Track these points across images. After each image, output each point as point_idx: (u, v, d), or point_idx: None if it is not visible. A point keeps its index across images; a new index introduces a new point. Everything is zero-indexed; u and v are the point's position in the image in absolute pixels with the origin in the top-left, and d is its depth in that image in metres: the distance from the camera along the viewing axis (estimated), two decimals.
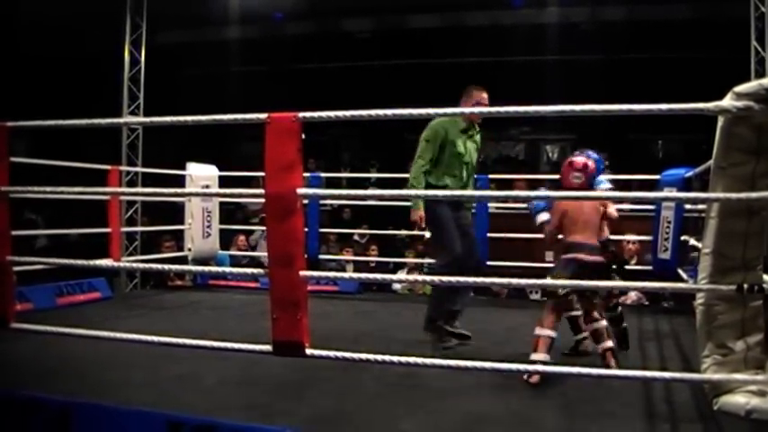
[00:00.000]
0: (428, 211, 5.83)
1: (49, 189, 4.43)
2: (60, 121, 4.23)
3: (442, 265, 5.80)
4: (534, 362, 4.64)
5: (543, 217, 5.14)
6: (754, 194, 3.26)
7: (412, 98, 7.69)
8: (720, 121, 3.39)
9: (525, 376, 4.66)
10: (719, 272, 3.53)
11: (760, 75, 8.61)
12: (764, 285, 3.41)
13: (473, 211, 6.78)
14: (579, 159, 5.17)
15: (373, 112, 3.69)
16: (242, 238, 10.75)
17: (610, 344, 4.99)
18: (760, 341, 3.65)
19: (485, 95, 6.09)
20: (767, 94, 3.13)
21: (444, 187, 5.86)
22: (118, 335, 4.22)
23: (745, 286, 3.32)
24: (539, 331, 4.82)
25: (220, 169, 9.63)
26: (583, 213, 5.01)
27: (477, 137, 6.19)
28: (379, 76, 14.82)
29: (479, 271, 5.91)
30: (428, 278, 4.88)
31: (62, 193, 4.56)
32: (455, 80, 14.35)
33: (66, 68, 13.79)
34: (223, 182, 9.49)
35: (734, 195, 3.30)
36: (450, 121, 5.95)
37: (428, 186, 5.82)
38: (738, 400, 3.54)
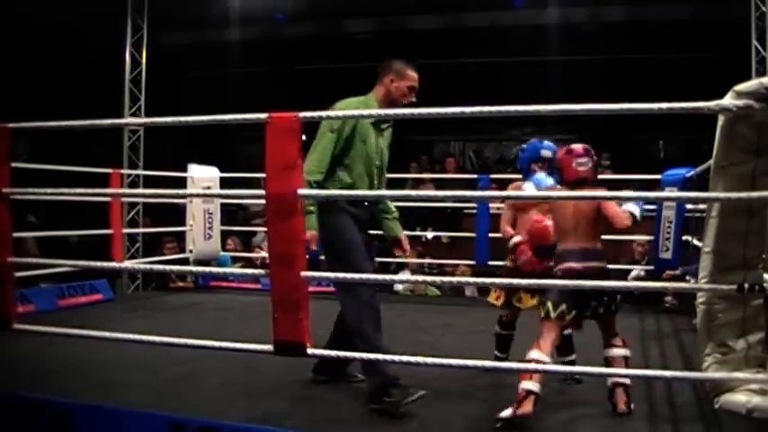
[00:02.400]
0: (326, 228, 4.48)
1: (50, 191, 4.43)
2: (62, 123, 4.23)
3: (361, 303, 4.42)
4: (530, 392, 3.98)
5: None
6: (754, 194, 3.26)
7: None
8: (721, 120, 3.39)
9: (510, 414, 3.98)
10: (720, 271, 3.53)
11: (760, 74, 8.60)
12: (765, 284, 3.41)
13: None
14: (577, 146, 4.55)
15: (374, 112, 3.70)
16: (229, 241, 10.58)
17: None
18: (761, 340, 3.66)
19: (415, 75, 4.82)
20: (767, 93, 3.13)
21: (345, 203, 4.51)
22: (119, 336, 4.22)
23: (746, 285, 3.31)
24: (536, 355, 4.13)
25: (222, 170, 9.64)
26: (573, 214, 4.46)
27: (389, 132, 4.84)
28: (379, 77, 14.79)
29: None
30: (429, 279, 4.89)
31: (63, 194, 4.56)
32: (456, 81, 14.43)
33: (68, 70, 13.79)
34: (224, 183, 9.50)
35: (734, 195, 3.29)
36: (362, 107, 4.56)
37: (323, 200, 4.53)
38: (739, 398, 3.54)
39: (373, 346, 4.18)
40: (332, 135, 4.46)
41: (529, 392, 3.93)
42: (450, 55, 14.63)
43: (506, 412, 3.95)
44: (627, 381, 4.17)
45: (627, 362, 4.30)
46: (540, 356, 4.05)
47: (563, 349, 4.80)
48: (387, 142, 4.80)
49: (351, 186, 4.51)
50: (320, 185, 4.43)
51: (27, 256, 8.41)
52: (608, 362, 4.29)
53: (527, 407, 3.92)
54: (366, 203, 4.64)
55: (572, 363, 4.82)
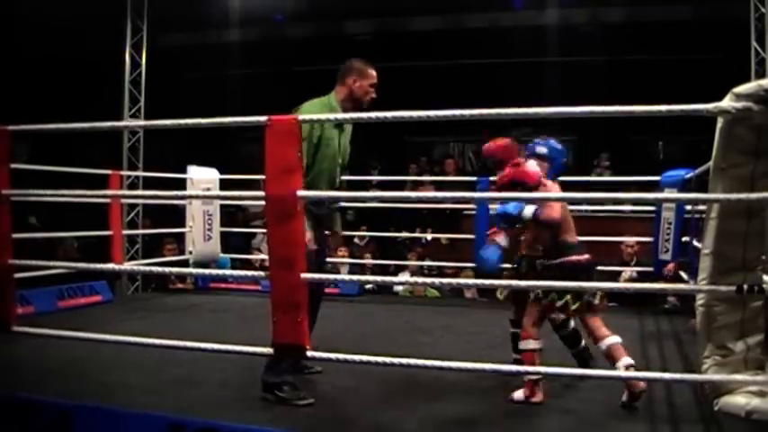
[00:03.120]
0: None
1: (50, 192, 4.44)
2: (61, 125, 4.24)
3: None
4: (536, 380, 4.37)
5: (531, 209, 4.63)
6: (753, 195, 3.27)
7: (413, 100, 7.69)
8: (720, 122, 3.40)
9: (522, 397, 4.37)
10: (719, 273, 3.54)
11: (760, 75, 8.61)
12: (764, 286, 3.41)
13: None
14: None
15: (373, 114, 3.71)
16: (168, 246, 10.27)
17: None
18: (760, 342, 3.66)
19: (375, 73, 5.01)
20: (766, 95, 3.13)
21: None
22: (119, 338, 4.22)
23: (745, 287, 3.32)
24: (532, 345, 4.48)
25: (222, 172, 9.64)
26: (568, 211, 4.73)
27: (349, 126, 5.04)
28: (380, 79, 14.82)
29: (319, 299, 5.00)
30: (428, 280, 4.89)
31: (63, 196, 4.57)
32: (456, 82, 14.44)
33: (67, 71, 13.79)
34: (224, 184, 9.50)
35: (733, 196, 3.30)
36: (324, 108, 4.81)
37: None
38: (739, 400, 3.55)
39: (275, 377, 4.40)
40: (304, 143, 4.35)
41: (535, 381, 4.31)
42: (449, 56, 14.63)
43: (518, 394, 4.31)
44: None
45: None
46: (535, 345, 4.43)
47: (570, 341, 4.98)
48: (348, 138, 5.00)
49: (311, 185, 4.51)
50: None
51: (66, 257, 8.42)
52: (610, 352, 4.42)
53: (539, 396, 4.32)
54: (322, 202, 4.85)
55: (585, 349, 4.96)
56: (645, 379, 4.45)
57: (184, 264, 9.15)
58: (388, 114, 3.61)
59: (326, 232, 5.12)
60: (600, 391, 4.49)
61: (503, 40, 14.31)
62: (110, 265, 7.66)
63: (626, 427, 3.95)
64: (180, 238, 9.72)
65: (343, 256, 10.28)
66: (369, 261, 10.58)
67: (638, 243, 8.72)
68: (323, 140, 4.69)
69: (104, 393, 4.39)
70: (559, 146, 5.08)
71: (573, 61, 14.37)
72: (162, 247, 10.05)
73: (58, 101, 12.32)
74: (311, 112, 4.67)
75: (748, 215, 3.49)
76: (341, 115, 4.45)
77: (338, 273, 10.17)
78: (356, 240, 11.31)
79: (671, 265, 7.52)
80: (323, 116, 4.32)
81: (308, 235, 4.30)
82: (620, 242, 8.87)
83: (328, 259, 10.12)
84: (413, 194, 5.11)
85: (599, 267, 8.37)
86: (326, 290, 8.43)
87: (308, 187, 4.27)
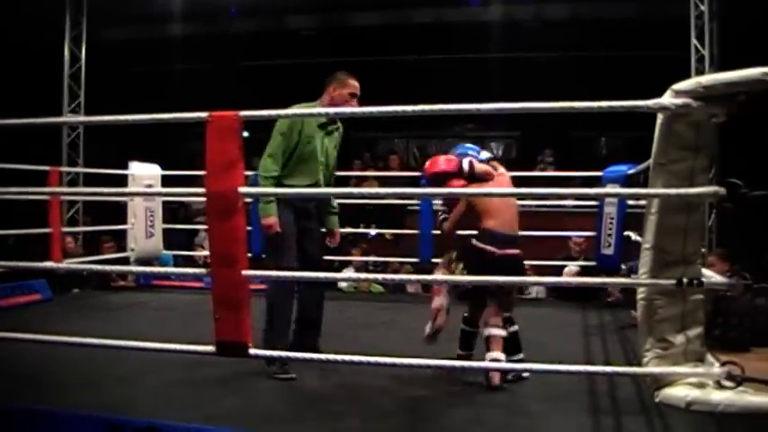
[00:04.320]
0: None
1: None
2: None
3: (278, 291, 5.00)
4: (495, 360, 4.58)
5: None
6: (692, 190, 3.31)
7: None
8: (660, 118, 3.44)
9: (486, 380, 4.55)
10: (660, 266, 3.58)
11: (700, 72, 8.76)
12: (703, 279, 3.46)
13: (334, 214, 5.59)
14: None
15: (315, 110, 3.69)
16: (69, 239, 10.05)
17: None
18: (699, 334, 3.72)
19: (356, 84, 5.22)
20: (705, 92, 3.18)
21: (289, 197, 5.09)
22: (58, 338, 4.15)
23: (685, 280, 3.36)
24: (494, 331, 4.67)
25: (165, 168, 9.53)
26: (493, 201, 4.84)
27: (337, 133, 5.37)
28: (324, 74, 14.79)
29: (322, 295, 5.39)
30: (372, 276, 4.88)
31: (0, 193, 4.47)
32: (400, 78, 14.44)
33: (7, 64, 13.52)
34: (166, 181, 9.39)
35: (673, 191, 3.34)
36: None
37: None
38: (679, 392, 3.60)
39: (276, 335, 4.86)
40: (281, 137, 5.02)
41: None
42: (393, 52, 14.64)
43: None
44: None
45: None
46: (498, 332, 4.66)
47: (510, 348, 4.84)
48: (335, 143, 5.34)
49: (287, 178, 5.07)
50: (277, 180, 5.03)
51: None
52: (488, 341, 4.68)
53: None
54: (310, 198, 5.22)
55: (521, 361, 4.87)
56: (588, 372, 4.50)
57: (125, 261, 9.03)
58: (331, 110, 3.60)
59: (323, 230, 5.45)
60: (543, 384, 4.51)
61: (446, 36, 14.37)
62: (48, 264, 7.53)
63: (569, 419, 3.97)
64: (121, 236, 9.59)
65: None
66: None
67: (585, 239, 8.79)
68: (302, 137, 5.04)
69: (42, 395, 4.30)
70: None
71: (516, 57, 14.48)
72: (100, 246, 9.90)
73: None
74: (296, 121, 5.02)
75: (688, 210, 3.54)
76: (283, 111, 4.40)
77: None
78: None
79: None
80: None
81: (272, 219, 4.90)
82: (568, 238, 8.95)
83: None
84: (355, 190, 5.08)
85: (544, 262, 8.50)
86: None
87: (282, 179, 5.02)
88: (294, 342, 5.12)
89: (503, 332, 4.67)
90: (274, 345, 4.67)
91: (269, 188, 4.98)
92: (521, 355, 4.88)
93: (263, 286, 7.85)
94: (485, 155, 5.10)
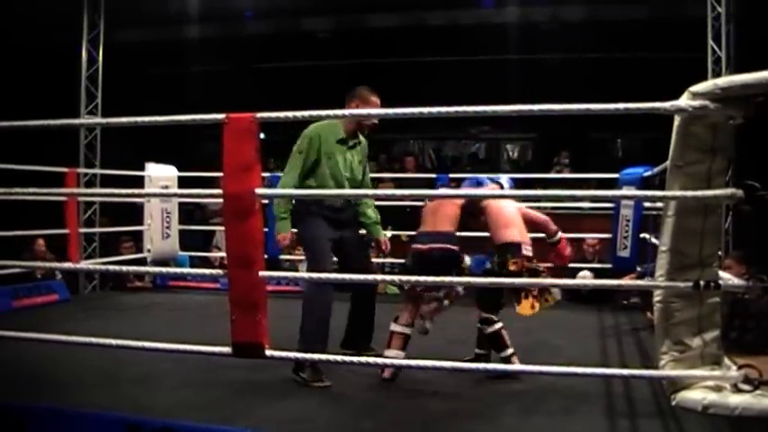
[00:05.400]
0: (301, 227, 5.32)
1: (2, 190, 4.36)
2: (15, 123, 4.17)
3: (315, 296, 5.03)
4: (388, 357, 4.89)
5: None
6: (709, 192, 3.30)
7: None
8: (677, 120, 3.43)
9: (380, 371, 4.85)
10: (676, 269, 3.56)
11: (717, 74, 8.71)
12: (720, 282, 3.45)
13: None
14: None
15: (331, 112, 3.69)
16: (40, 241, 9.69)
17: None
18: (716, 337, 3.69)
19: (378, 101, 5.41)
20: (722, 94, 3.17)
21: (319, 208, 5.25)
22: (75, 338, 4.17)
23: (702, 283, 3.35)
24: (394, 327, 5.06)
25: (181, 169, 9.56)
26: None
27: (360, 147, 5.52)
28: (339, 76, 14.83)
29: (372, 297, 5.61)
30: (388, 277, 4.90)
31: (17, 194, 4.49)
32: (415, 80, 14.42)
33: (23, 66, 13.59)
34: (183, 182, 9.42)
35: (690, 193, 3.33)
36: (328, 129, 5.28)
37: (299, 206, 5.28)
38: (695, 395, 3.58)
39: (310, 340, 4.86)
40: (300, 155, 5.20)
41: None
42: (409, 54, 14.63)
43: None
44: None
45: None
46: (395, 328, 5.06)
47: (496, 345, 4.99)
48: (359, 157, 5.50)
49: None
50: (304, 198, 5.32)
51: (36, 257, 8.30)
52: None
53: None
54: (341, 207, 5.37)
55: (510, 357, 4.93)
56: (604, 375, 4.49)
57: (142, 262, 9.07)
58: (347, 112, 3.60)
59: (366, 238, 5.86)
60: (559, 387, 4.51)
61: (463, 38, 14.35)
62: (66, 264, 7.57)
63: (585, 421, 3.97)
64: (138, 237, 9.63)
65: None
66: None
67: (599, 241, 8.76)
68: (322, 155, 5.22)
69: (61, 395, 4.33)
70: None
71: (532, 59, 14.45)
72: (119, 246, 9.94)
73: (13, 96, 12.12)
74: (316, 129, 5.24)
75: (705, 212, 3.53)
76: (300, 113, 4.40)
77: (297, 270, 10.13)
78: None
79: (631, 277, 7.56)
80: (281, 114, 4.27)
81: (282, 235, 5.21)
82: (582, 240, 8.92)
83: (288, 257, 10.14)
84: (371, 192, 5.10)
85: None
86: (286, 288, 8.44)
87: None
88: (347, 342, 5.45)
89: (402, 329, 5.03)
90: (313, 348, 4.61)
91: (282, 206, 5.22)
92: (509, 351, 4.91)
93: (280, 288, 7.91)
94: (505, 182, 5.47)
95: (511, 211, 5.12)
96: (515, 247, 4.92)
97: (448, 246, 4.97)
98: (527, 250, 4.95)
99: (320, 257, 5.15)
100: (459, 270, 4.92)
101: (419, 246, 5.08)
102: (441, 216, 5.13)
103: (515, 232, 4.99)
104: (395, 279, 4.67)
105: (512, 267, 4.84)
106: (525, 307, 4.82)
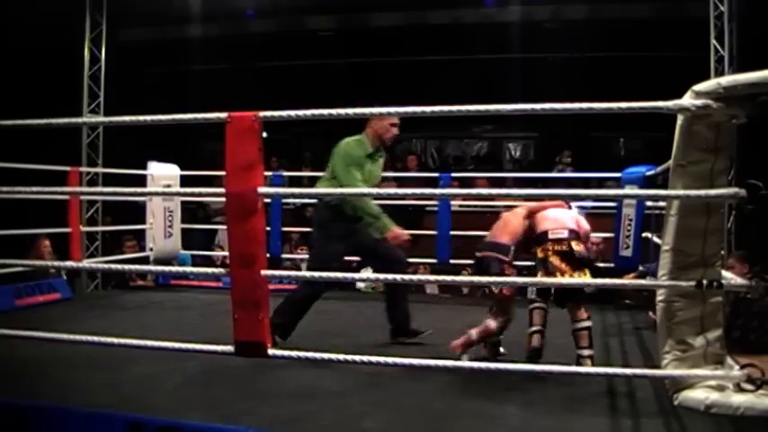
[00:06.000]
0: (320, 233, 5.78)
1: (5, 189, 4.36)
2: (17, 121, 4.17)
3: (304, 291, 5.70)
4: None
5: None
6: (713, 191, 3.30)
7: (374, 96, 7.67)
8: (680, 119, 3.42)
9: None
10: (679, 268, 3.56)
11: (719, 73, 8.70)
12: (723, 282, 3.45)
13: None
14: None
15: (334, 111, 3.68)
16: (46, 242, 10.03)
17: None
18: (719, 337, 3.69)
19: (395, 119, 5.85)
20: (725, 93, 3.17)
21: (345, 217, 5.69)
22: (78, 337, 4.17)
23: (705, 282, 3.35)
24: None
25: (184, 168, 9.56)
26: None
27: (381, 160, 6.03)
28: (342, 74, 14.83)
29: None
30: (390, 276, 4.89)
31: (19, 193, 4.49)
32: (417, 78, 14.43)
33: (26, 65, 13.59)
34: (185, 181, 9.42)
35: (693, 192, 3.33)
36: (357, 145, 5.76)
37: (326, 213, 5.72)
38: (698, 395, 3.58)
39: (282, 321, 5.31)
40: (350, 165, 5.61)
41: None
42: (411, 52, 14.63)
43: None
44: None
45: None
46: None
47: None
48: (379, 168, 6.00)
49: (340, 204, 5.67)
50: (335, 204, 5.70)
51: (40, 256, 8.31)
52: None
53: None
54: (357, 217, 5.74)
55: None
56: (607, 374, 4.49)
57: (145, 261, 9.07)
58: (350, 111, 3.60)
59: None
60: (562, 386, 4.50)
61: (465, 37, 14.35)
62: (69, 263, 7.57)
63: (587, 421, 3.96)
64: (140, 235, 9.63)
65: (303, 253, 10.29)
66: None
67: (602, 240, 8.74)
68: (358, 162, 5.67)
69: (62, 393, 4.33)
70: None
71: (535, 58, 14.44)
72: (122, 245, 9.95)
73: (15, 95, 12.12)
74: (349, 146, 5.72)
75: (707, 212, 3.52)
76: (302, 111, 4.39)
77: (299, 270, 10.13)
78: None
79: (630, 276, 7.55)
80: (283, 113, 4.26)
81: (393, 229, 5.64)
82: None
83: (290, 255, 10.15)
84: (374, 191, 5.11)
85: None
86: (288, 286, 8.45)
87: (338, 205, 5.65)
88: (396, 331, 5.91)
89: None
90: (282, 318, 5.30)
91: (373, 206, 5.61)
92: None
93: (282, 286, 7.90)
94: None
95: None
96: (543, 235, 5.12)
97: (498, 255, 5.06)
98: (555, 234, 5.10)
99: (322, 268, 5.34)
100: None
101: (477, 253, 5.21)
102: (501, 227, 5.26)
103: (548, 225, 5.20)
104: (430, 278, 4.65)
105: (540, 255, 5.08)
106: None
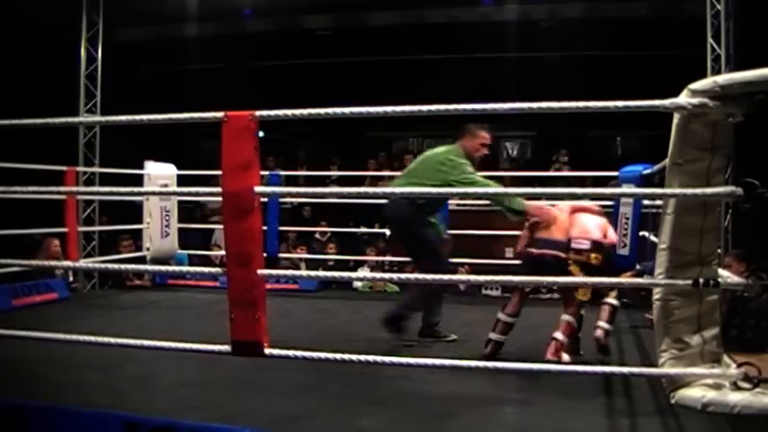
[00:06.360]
0: (423, 231, 5.94)
1: (2, 189, 4.35)
2: (14, 121, 4.16)
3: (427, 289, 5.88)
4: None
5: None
6: (709, 189, 3.30)
7: (372, 95, 7.67)
8: (676, 118, 3.42)
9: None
10: (676, 267, 3.57)
11: (716, 72, 8.71)
12: (719, 280, 3.45)
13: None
14: None
15: (330, 110, 3.68)
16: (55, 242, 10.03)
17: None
18: (716, 335, 3.70)
19: (487, 135, 6.11)
20: (721, 92, 3.16)
21: (431, 225, 6.01)
22: (75, 337, 4.16)
23: (701, 281, 3.35)
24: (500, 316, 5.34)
25: (181, 167, 9.55)
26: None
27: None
28: (338, 73, 14.83)
29: None
30: (387, 275, 4.89)
31: (16, 193, 4.49)
32: (414, 77, 14.42)
33: (22, 65, 13.58)
34: (182, 180, 9.41)
35: (689, 191, 3.33)
36: (458, 153, 5.97)
37: (418, 212, 5.89)
38: (695, 393, 3.59)
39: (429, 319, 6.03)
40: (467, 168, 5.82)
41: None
42: (408, 51, 14.63)
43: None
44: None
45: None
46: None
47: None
48: None
49: (428, 202, 6.01)
50: (429, 210, 6.05)
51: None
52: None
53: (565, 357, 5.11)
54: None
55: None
56: (604, 373, 4.49)
57: (142, 260, 9.06)
58: (347, 110, 3.59)
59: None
60: (559, 385, 4.50)
61: (462, 35, 14.35)
62: (65, 263, 7.56)
63: (585, 419, 3.96)
64: (137, 235, 9.62)
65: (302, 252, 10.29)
66: (328, 256, 10.55)
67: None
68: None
69: (59, 393, 4.32)
70: None
71: (532, 57, 14.45)
72: (119, 245, 9.94)
73: (12, 95, 12.12)
74: (455, 153, 5.95)
75: (704, 210, 3.53)
76: (298, 111, 4.38)
77: (297, 268, 10.14)
78: (317, 236, 11.28)
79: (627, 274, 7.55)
80: (279, 112, 4.26)
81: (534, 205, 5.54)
82: None
83: (287, 255, 10.15)
84: (371, 189, 5.11)
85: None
86: (285, 286, 8.45)
87: (429, 212, 6.02)
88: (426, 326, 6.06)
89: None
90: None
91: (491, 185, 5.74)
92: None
93: (279, 286, 7.90)
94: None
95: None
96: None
97: (558, 253, 5.20)
98: (577, 243, 5.31)
99: (443, 256, 5.98)
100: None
101: (533, 250, 5.30)
102: (558, 225, 5.35)
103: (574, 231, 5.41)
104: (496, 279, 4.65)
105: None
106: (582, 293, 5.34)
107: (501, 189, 5.52)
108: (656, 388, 4.33)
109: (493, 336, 5.29)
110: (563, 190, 5.56)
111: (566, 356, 5.13)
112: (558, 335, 5.10)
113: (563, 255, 5.21)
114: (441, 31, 14.39)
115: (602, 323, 5.45)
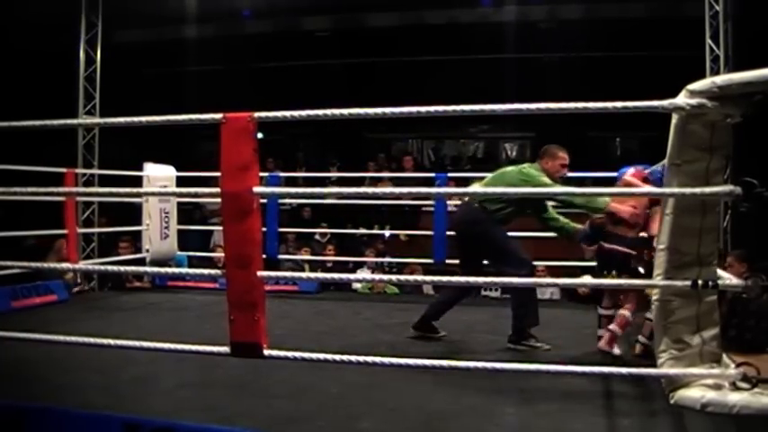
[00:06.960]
0: (494, 230, 6.00)
1: (1, 190, 4.35)
2: (13, 123, 4.16)
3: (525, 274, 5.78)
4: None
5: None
6: (708, 189, 3.30)
7: (371, 96, 7.66)
8: (674, 118, 3.42)
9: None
10: (675, 267, 3.57)
11: (715, 72, 8.71)
12: (718, 281, 3.45)
13: None
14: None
15: (329, 111, 3.68)
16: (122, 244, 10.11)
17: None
18: (715, 336, 3.70)
19: (566, 156, 6.11)
20: (720, 92, 3.17)
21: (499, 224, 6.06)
22: (74, 338, 4.16)
23: (700, 282, 3.35)
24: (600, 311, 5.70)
25: (179, 169, 9.55)
26: None
27: None
28: (338, 75, 14.83)
29: None
30: (387, 277, 4.89)
31: (16, 194, 4.49)
32: (414, 78, 14.42)
33: (21, 66, 13.58)
34: (181, 182, 9.41)
35: (688, 190, 3.33)
36: (539, 171, 6.04)
37: (489, 216, 5.96)
38: (694, 393, 3.58)
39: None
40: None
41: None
42: (407, 52, 14.63)
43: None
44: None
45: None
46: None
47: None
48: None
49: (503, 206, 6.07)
50: (506, 215, 6.05)
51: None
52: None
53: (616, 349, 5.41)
54: None
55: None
56: (603, 373, 4.49)
57: (140, 262, 9.06)
58: (345, 111, 3.59)
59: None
60: (558, 385, 4.51)
61: (461, 37, 14.35)
62: (65, 265, 7.56)
63: (585, 419, 3.96)
64: (136, 237, 9.62)
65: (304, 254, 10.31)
66: (327, 258, 10.55)
67: None
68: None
69: (59, 394, 4.32)
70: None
71: (531, 58, 14.45)
72: (117, 246, 9.93)
73: (11, 97, 12.11)
74: (538, 173, 5.98)
75: (703, 210, 3.53)
76: (297, 112, 4.38)
77: (301, 270, 10.14)
78: (317, 237, 11.29)
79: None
80: (278, 113, 4.26)
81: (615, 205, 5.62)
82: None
83: (287, 256, 10.16)
84: (370, 190, 5.11)
85: (557, 263, 8.51)
86: (284, 287, 8.45)
87: (506, 218, 6.05)
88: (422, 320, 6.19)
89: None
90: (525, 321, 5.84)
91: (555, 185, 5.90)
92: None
93: (278, 287, 7.89)
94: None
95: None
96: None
97: (625, 249, 5.41)
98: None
99: (522, 252, 5.99)
100: (632, 274, 5.32)
101: (605, 245, 5.54)
102: (629, 221, 5.53)
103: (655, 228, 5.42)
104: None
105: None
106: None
107: (579, 189, 5.56)
108: (655, 388, 4.33)
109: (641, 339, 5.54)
110: (561, 189, 5.57)
111: (617, 350, 5.37)
112: (614, 327, 5.36)
113: (633, 251, 5.39)
114: (440, 33, 14.39)
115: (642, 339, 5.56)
